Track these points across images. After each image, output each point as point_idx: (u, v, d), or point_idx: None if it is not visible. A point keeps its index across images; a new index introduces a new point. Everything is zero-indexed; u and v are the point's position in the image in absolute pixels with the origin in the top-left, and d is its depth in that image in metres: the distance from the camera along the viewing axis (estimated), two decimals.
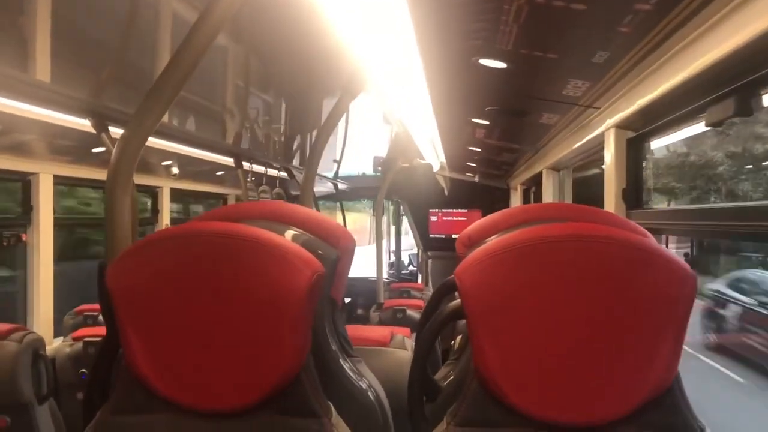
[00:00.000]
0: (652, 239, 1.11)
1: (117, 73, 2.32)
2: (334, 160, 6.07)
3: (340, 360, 1.43)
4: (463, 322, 1.07)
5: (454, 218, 7.10)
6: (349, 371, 1.44)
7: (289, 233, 1.36)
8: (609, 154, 2.25)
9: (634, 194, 2.18)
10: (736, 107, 1.45)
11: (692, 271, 0.97)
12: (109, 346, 1.19)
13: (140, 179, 3.77)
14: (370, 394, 1.45)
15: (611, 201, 2.22)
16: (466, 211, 7.06)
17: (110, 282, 1.07)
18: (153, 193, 4.20)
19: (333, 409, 1.13)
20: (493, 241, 1.06)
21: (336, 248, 1.41)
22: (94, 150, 3.05)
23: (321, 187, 6.35)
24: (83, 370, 2.77)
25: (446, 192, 6.98)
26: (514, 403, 0.99)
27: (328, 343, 1.41)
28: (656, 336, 0.96)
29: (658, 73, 1.72)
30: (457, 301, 1.08)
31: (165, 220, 4.18)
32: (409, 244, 8.66)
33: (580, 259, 0.96)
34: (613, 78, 1.94)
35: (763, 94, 1.43)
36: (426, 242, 7.21)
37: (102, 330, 2.87)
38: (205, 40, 1.50)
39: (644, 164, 2.19)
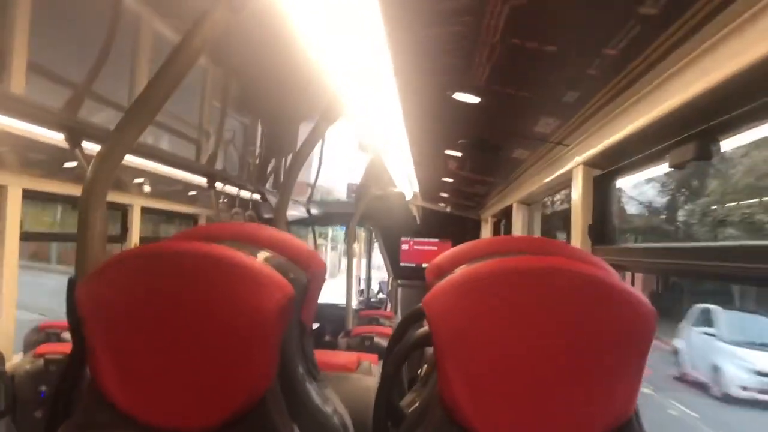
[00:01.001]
0: (616, 275, 1.14)
1: (93, 89, 2.32)
2: (308, 185, 6.08)
3: (307, 384, 1.43)
4: (431, 350, 1.09)
5: (425, 247, 7.13)
6: (315, 395, 1.44)
7: (261, 255, 1.36)
8: (576, 191, 2.30)
9: (599, 230, 2.22)
10: (697, 151, 1.51)
11: (653, 309, 1.00)
12: (76, 361, 1.18)
13: (110, 196, 3.72)
14: (335, 419, 1.45)
15: (577, 236, 2.27)
16: (437, 240, 7.10)
17: (80, 297, 1.06)
18: (123, 210, 4.14)
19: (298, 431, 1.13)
20: (461, 271, 1.08)
21: (306, 272, 1.42)
22: (66, 165, 3.01)
23: (294, 211, 6.33)
24: (43, 387, 2.69)
25: (418, 221, 7.02)
26: (476, 429, 1.00)
27: (295, 366, 1.41)
28: (616, 369, 0.99)
29: (624, 115, 1.78)
30: (425, 329, 1.09)
31: (134, 239, 4.12)
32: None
33: (546, 291, 0.99)
34: (582, 117, 2.00)
35: (722, 139, 1.50)
36: (396, 270, 7.22)
37: (64, 347, 2.81)
38: (187, 62, 1.52)
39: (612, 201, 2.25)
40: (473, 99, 2.05)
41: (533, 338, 0.98)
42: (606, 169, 2.20)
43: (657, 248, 1.96)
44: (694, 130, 1.52)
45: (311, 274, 1.43)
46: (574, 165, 2.34)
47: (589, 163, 2.23)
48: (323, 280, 1.50)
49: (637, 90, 1.63)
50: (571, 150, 2.39)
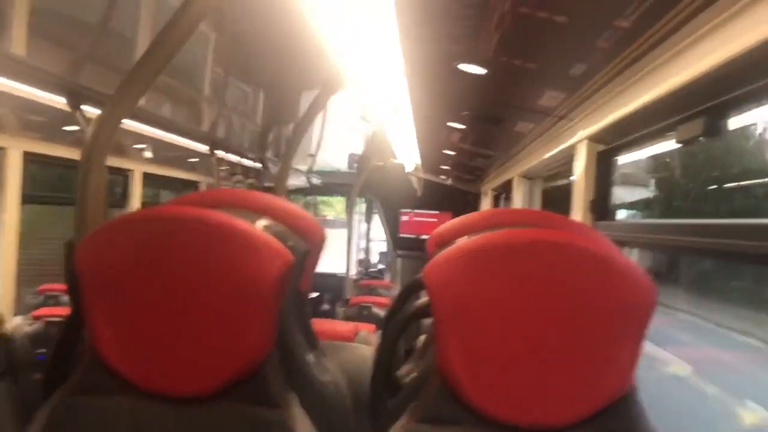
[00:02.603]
0: (616, 250, 1.14)
1: (95, 52, 2.29)
2: (310, 155, 6.06)
3: (305, 352, 1.43)
4: (429, 321, 1.09)
5: (425, 219, 7.14)
6: (313, 364, 1.44)
7: (261, 222, 1.35)
8: (579, 166, 2.30)
9: (602, 206, 2.22)
10: (705, 127, 1.50)
11: (653, 284, 1.00)
12: (73, 325, 1.18)
13: (112, 161, 3.71)
14: (332, 387, 1.46)
15: (579, 212, 2.27)
16: (437, 212, 7.10)
17: (78, 261, 1.06)
18: (124, 176, 4.14)
19: (295, 400, 1.13)
20: (462, 241, 1.08)
21: (306, 241, 1.41)
22: (66, 128, 2.99)
23: (295, 181, 6.33)
24: (42, 349, 2.72)
25: (419, 193, 7.02)
26: (474, 401, 1.00)
27: (292, 334, 1.41)
28: (615, 343, 0.99)
29: (632, 89, 1.76)
30: (425, 299, 1.09)
31: (135, 204, 4.12)
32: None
33: (545, 264, 0.99)
34: (588, 91, 1.98)
35: (731, 116, 1.49)
36: (396, 241, 7.24)
37: (64, 310, 2.83)
38: (190, 24, 1.49)
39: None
40: (479, 70, 2.03)
41: (532, 311, 0.98)
42: (610, 144, 2.19)
43: (659, 224, 1.95)
44: (703, 107, 1.50)
45: (311, 242, 1.43)
46: (577, 140, 2.32)
47: (593, 138, 2.22)
48: (323, 249, 1.50)
49: (645, 64, 1.61)
50: (574, 124, 2.37)
